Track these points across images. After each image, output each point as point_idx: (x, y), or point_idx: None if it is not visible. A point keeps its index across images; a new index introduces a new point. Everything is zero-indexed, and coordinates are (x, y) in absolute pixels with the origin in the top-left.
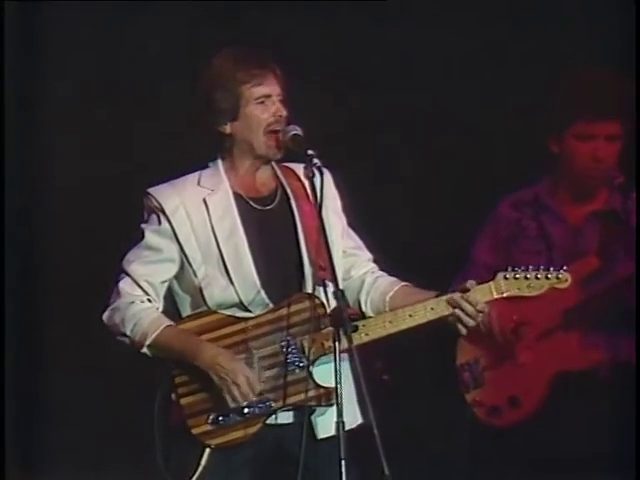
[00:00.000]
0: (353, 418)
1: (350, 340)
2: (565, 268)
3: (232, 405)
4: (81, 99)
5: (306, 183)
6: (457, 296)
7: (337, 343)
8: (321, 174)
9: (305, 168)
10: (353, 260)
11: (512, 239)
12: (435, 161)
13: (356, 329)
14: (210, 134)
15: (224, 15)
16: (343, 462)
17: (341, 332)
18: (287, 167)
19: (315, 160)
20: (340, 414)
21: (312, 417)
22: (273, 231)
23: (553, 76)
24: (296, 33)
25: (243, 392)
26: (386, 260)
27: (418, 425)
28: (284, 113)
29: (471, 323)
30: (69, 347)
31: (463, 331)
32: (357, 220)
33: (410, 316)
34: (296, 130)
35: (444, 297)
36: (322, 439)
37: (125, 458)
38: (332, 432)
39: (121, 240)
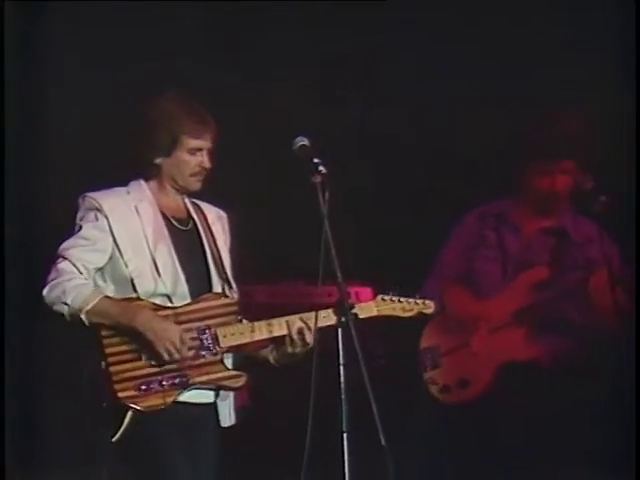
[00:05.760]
0: (229, 419)
1: (349, 326)
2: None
3: (167, 358)
4: (81, 99)
5: (209, 217)
6: (296, 323)
7: (340, 329)
8: (324, 180)
9: (312, 175)
10: None
11: (474, 246)
12: (413, 178)
13: (355, 317)
14: (139, 160)
15: (224, 22)
16: (345, 435)
17: (342, 319)
18: (194, 202)
19: (320, 167)
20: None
21: (217, 402)
22: (187, 246)
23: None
24: (297, 42)
25: (176, 347)
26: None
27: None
28: (207, 166)
29: (296, 350)
30: (69, 347)
31: (289, 349)
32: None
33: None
34: (303, 141)
35: (288, 318)
36: (225, 427)
37: (126, 457)
38: (233, 422)
39: None
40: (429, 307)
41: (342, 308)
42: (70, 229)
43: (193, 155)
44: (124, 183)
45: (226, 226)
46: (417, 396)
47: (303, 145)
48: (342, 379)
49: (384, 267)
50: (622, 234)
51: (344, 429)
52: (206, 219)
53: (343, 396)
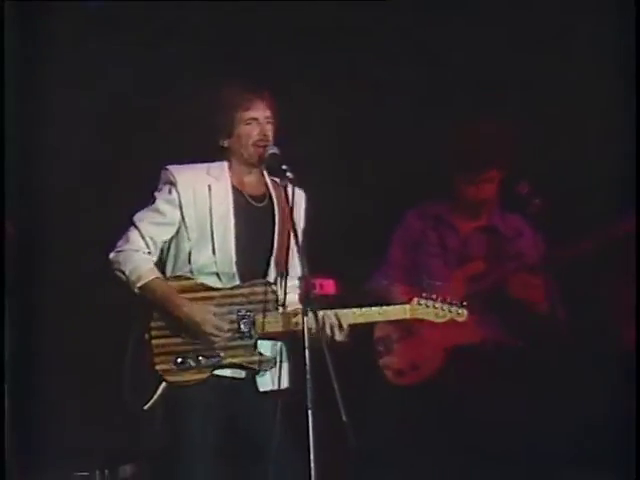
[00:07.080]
0: (273, 383)
1: (316, 316)
2: (464, 304)
3: (205, 345)
4: (81, 99)
5: (289, 196)
6: (330, 318)
7: (305, 318)
8: (292, 184)
9: (281, 179)
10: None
11: (418, 243)
12: (363, 179)
13: (319, 308)
14: (213, 146)
15: (215, 19)
16: (310, 411)
17: (308, 309)
18: (274, 180)
19: (288, 173)
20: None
21: (256, 377)
22: (257, 224)
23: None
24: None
25: (214, 337)
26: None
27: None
28: (268, 132)
29: (327, 342)
30: (68, 348)
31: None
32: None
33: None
34: (274, 150)
35: (324, 312)
36: (262, 392)
37: (125, 457)
38: (269, 387)
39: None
40: (462, 315)
41: (308, 298)
42: (69, 228)
43: (250, 125)
44: (135, 180)
45: (303, 206)
46: (375, 378)
47: (273, 153)
48: (307, 361)
49: (346, 262)
50: (554, 232)
51: (309, 406)
52: (286, 197)
53: (308, 376)
